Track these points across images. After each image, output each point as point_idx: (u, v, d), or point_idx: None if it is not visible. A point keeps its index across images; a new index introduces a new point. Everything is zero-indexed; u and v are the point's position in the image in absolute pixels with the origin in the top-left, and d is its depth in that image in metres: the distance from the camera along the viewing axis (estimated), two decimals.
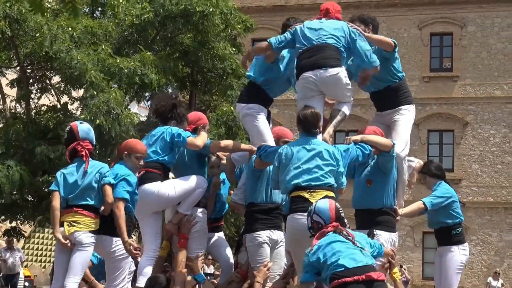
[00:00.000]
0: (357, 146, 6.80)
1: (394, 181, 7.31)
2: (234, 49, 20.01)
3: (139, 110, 27.46)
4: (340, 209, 6.10)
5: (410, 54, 30.75)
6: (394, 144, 7.10)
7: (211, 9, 18.01)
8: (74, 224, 6.85)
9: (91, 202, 6.90)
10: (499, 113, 30.11)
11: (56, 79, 18.65)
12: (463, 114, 30.43)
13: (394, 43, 7.46)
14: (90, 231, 6.83)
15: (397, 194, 7.37)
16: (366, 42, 7.23)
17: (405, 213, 7.76)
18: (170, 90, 19.38)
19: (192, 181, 7.28)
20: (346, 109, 7.29)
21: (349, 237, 5.81)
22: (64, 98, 18.99)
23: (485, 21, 30.77)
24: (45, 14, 16.23)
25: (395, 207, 7.34)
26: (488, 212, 29.71)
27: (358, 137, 6.91)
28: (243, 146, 7.65)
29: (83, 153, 7.01)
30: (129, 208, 6.97)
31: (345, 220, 6.08)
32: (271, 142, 7.30)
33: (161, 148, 7.28)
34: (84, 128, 7.17)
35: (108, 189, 6.84)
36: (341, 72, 7.03)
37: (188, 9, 17.95)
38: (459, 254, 8.35)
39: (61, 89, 18.45)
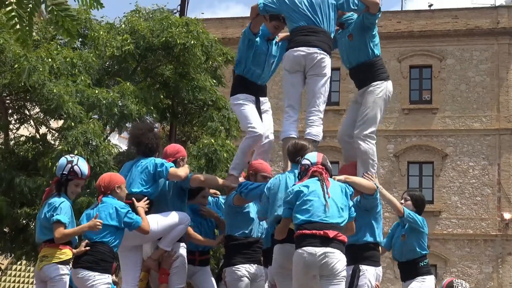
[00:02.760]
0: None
1: (378, 215, 7.28)
2: (214, 81, 20.05)
3: (119, 141, 27.35)
4: (327, 160, 6.53)
5: None
6: (377, 187, 7.07)
7: (192, 42, 18.08)
8: (43, 258, 6.75)
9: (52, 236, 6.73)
10: (478, 146, 30.30)
11: (35, 109, 18.54)
12: (443, 146, 30.59)
13: (380, 5, 7.52)
14: (58, 262, 6.69)
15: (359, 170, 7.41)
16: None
17: (384, 193, 7.63)
18: (148, 120, 19.33)
19: (175, 217, 7.21)
20: (317, 132, 7.27)
21: (325, 188, 6.21)
22: (43, 129, 18.87)
23: (463, 54, 31.10)
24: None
25: (369, 173, 7.31)
26: (468, 244, 29.74)
27: (342, 177, 6.82)
28: (221, 181, 7.64)
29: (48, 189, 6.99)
30: (112, 243, 6.84)
31: (331, 172, 6.51)
32: (257, 124, 7.39)
33: (145, 179, 7.21)
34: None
35: (55, 227, 6.67)
36: (329, 61, 7.27)
37: (170, 41, 18.01)
38: (429, 282, 8.30)
39: (40, 120, 18.34)
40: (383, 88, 7.53)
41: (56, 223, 6.69)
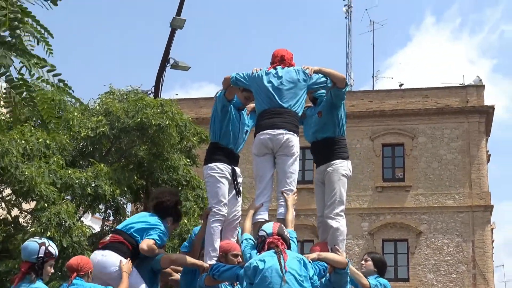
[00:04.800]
0: (315, 263, 6.75)
1: None
2: (188, 160, 20.07)
3: (93, 221, 27.05)
4: (285, 230, 6.48)
5: (363, 164, 31.19)
6: (348, 261, 7.11)
7: (167, 122, 18.17)
8: None
9: None
10: (452, 222, 30.43)
11: (7, 191, 18.35)
12: (417, 223, 30.66)
13: (346, 81, 7.70)
14: None
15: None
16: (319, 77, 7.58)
17: (350, 267, 7.52)
18: (123, 201, 19.25)
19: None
20: (289, 215, 7.28)
21: (282, 261, 6.10)
22: (15, 211, 18.65)
23: (435, 132, 31.55)
24: None
25: (337, 247, 7.34)
26: None
27: (315, 254, 6.83)
28: (194, 261, 7.53)
29: (16, 276, 6.84)
30: None
31: (289, 241, 6.46)
32: (223, 207, 7.37)
33: (141, 230, 7.23)
34: (22, 248, 6.98)
35: None
36: (296, 140, 7.34)
37: (144, 122, 18.07)
38: None
39: (12, 202, 18.13)
40: (345, 167, 7.67)
41: None
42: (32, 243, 6.91)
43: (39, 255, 6.78)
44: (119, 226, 7.45)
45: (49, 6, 5.35)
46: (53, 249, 6.87)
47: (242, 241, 6.96)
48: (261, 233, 6.45)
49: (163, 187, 8.06)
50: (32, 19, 5.21)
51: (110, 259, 7.08)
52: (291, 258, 6.26)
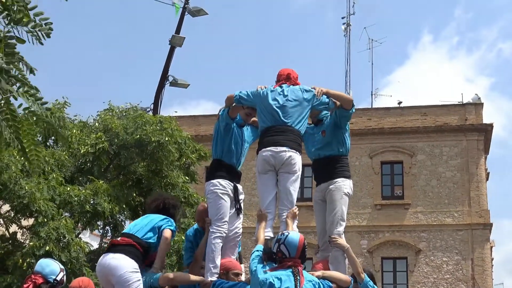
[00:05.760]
0: (322, 283, 6.73)
1: None
2: (187, 177, 20.08)
3: (91, 238, 27.00)
4: (306, 247, 6.42)
5: (362, 182, 31.17)
6: (352, 280, 7.12)
7: (166, 139, 18.20)
8: None
9: None
10: (451, 240, 30.38)
11: (5, 208, 18.35)
12: (416, 241, 30.61)
13: (353, 103, 7.73)
14: None
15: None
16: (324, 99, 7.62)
17: (351, 254, 7.50)
18: (122, 218, 19.25)
19: None
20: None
21: (298, 285, 6.08)
22: (13, 228, 18.63)
23: (433, 150, 31.57)
24: None
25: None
26: None
27: (320, 273, 6.85)
28: (193, 278, 7.52)
29: (27, 285, 6.87)
30: None
31: (306, 256, 6.45)
32: (225, 225, 7.41)
33: (152, 229, 7.29)
34: (40, 262, 7.11)
35: None
36: (298, 159, 7.33)
37: (143, 139, 18.11)
38: None
39: (10, 218, 18.12)
40: (347, 186, 7.70)
41: None
42: (55, 264, 7.08)
43: (56, 278, 6.98)
44: (126, 230, 7.46)
45: (43, 37, 5.42)
46: (65, 280, 7.10)
47: (253, 252, 6.93)
48: (283, 248, 6.35)
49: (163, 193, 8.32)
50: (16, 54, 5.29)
51: (121, 262, 7.06)
52: (307, 281, 6.27)
